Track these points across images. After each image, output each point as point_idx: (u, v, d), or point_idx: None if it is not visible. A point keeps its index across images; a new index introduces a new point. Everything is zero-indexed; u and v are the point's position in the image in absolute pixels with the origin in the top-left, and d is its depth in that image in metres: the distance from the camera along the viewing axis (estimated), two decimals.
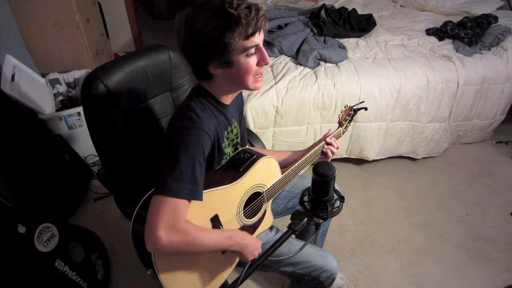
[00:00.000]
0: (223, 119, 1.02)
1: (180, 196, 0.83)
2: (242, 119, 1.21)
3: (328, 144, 1.23)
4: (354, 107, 1.36)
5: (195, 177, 0.86)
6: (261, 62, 0.91)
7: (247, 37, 0.84)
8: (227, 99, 1.01)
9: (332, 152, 1.23)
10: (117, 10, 3.39)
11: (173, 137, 0.90)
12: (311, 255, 1.18)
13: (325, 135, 1.27)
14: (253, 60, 0.89)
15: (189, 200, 0.85)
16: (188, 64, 0.96)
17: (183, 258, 0.94)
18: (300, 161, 1.16)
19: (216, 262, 1.03)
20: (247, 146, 1.29)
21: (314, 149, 1.20)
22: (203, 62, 0.90)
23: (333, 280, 1.21)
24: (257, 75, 0.94)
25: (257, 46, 0.88)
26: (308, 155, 1.18)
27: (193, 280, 0.97)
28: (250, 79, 0.92)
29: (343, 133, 1.34)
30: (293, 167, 1.14)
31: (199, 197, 0.87)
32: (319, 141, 1.25)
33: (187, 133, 0.88)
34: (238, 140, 1.14)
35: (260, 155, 1.08)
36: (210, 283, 1.02)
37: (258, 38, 0.87)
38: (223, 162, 1.08)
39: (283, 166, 1.17)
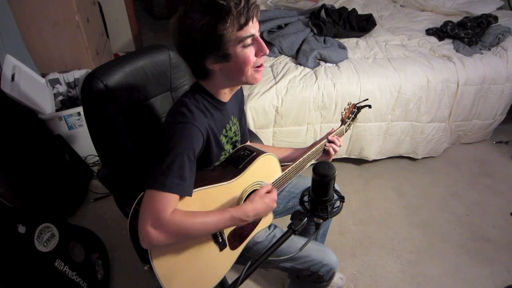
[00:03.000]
0: (220, 116, 1.01)
1: (166, 190, 0.82)
2: (243, 116, 1.20)
3: (330, 142, 1.23)
4: (358, 105, 1.34)
5: (183, 172, 0.85)
6: (259, 53, 0.90)
7: (241, 27, 0.84)
8: (226, 97, 1.01)
9: (335, 150, 1.23)
10: (117, 10, 3.39)
11: (165, 132, 0.90)
12: (310, 250, 1.17)
13: (328, 133, 1.26)
14: (250, 51, 0.89)
15: (177, 194, 0.84)
16: (187, 63, 0.96)
17: (180, 254, 0.93)
18: (301, 159, 1.15)
19: (214, 259, 1.02)
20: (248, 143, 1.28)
21: (316, 147, 1.20)
22: (200, 59, 0.90)
23: (333, 274, 1.21)
24: (257, 66, 0.93)
25: (253, 36, 0.87)
26: (309, 152, 1.17)
27: (190, 277, 0.97)
28: (249, 71, 0.91)
29: (345, 131, 1.33)
30: (293, 165, 1.14)
31: (186, 193, 0.86)
32: (321, 139, 1.24)
33: (178, 127, 0.88)
34: (238, 138, 1.13)
35: (260, 152, 1.07)
36: (207, 280, 1.02)
37: (253, 28, 0.86)
38: (222, 158, 1.08)
39: (284, 163, 1.16)
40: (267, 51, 0.91)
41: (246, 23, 0.84)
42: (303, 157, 1.16)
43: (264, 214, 0.99)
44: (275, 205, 1.00)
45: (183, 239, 0.88)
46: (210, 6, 0.81)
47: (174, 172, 0.84)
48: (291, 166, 1.13)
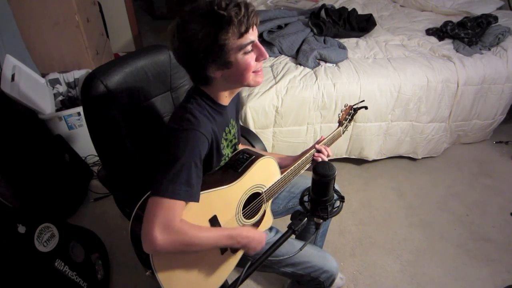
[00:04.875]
0: (222, 120, 1.02)
1: (175, 197, 0.83)
2: (238, 118, 1.20)
3: (318, 151, 1.22)
4: (354, 106, 1.35)
5: (191, 179, 0.86)
6: (259, 58, 0.91)
7: (241, 35, 0.84)
8: (226, 100, 1.01)
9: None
10: (117, 10, 3.39)
11: (170, 139, 0.90)
12: (311, 255, 1.18)
13: (316, 141, 1.25)
14: (251, 57, 0.89)
15: (184, 201, 0.85)
16: (187, 71, 0.96)
17: (182, 258, 0.94)
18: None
19: (216, 263, 1.03)
20: (247, 147, 1.28)
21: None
22: (201, 67, 0.90)
23: (333, 280, 1.21)
24: (257, 70, 0.94)
25: (253, 43, 0.88)
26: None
27: (192, 281, 0.97)
28: (250, 76, 0.92)
29: (343, 133, 1.33)
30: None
31: (194, 199, 0.87)
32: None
33: (184, 135, 0.88)
34: (236, 140, 1.14)
35: (259, 156, 1.07)
36: (209, 283, 1.02)
37: (252, 35, 0.87)
38: (222, 163, 1.08)
39: None
40: (267, 56, 0.92)
41: (246, 31, 0.84)
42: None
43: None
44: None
45: (185, 249, 0.88)
46: (210, 16, 0.81)
47: (182, 180, 0.84)
48: (288, 170, 1.13)
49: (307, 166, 1.21)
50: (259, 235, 1.01)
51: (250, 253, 1.00)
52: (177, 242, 0.83)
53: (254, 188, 1.06)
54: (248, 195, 1.05)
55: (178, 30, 0.86)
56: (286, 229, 0.87)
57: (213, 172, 1.06)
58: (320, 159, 1.20)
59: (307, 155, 1.20)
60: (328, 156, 1.22)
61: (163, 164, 0.87)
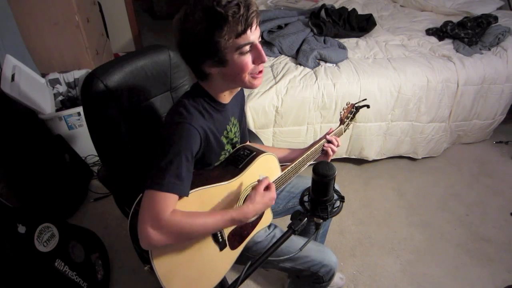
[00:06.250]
0: (221, 118, 1.02)
1: (164, 190, 0.82)
2: (243, 117, 1.20)
3: (328, 142, 1.23)
4: (356, 105, 1.35)
5: (181, 172, 0.85)
6: (257, 60, 0.89)
7: (238, 34, 0.83)
8: (226, 98, 1.01)
9: (333, 151, 1.22)
10: (117, 10, 3.39)
11: (163, 132, 0.91)
12: (310, 250, 1.17)
13: (326, 133, 1.26)
14: (247, 58, 0.88)
15: (174, 194, 0.84)
16: (186, 64, 0.96)
17: (180, 253, 0.93)
18: (300, 159, 1.15)
19: (214, 258, 1.02)
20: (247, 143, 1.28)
21: (315, 147, 1.20)
22: (197, 62, 0.90)
23: (332, 275, 1.21)
24: (255, 73, 0.92)
25: (251, 44, 0.86)
26: (308, 152, 1.17)
27: (190, 276, 0.97)
28: (246, 77, 0.91)
29: (344, 131, 1.33)
30: (292, 165, 1.14)
31: (184, 193, 0.86)
32: (320, 139, 1.24)
33: (175, 128, 0.89)
34: (237, 139, 1.13)
35: (260, 152, 1.07)
36: (207, 279, 1.02)
37: (252, 36, 0.85)
38: (222, 158, 1.08)
39: (283, 163, 1.16)
40: (266, 60, 0.90)
41: (244, 31, 0.83)
42: (302, 157, 1.16)
43: (262, 212, 1.00)
44: (273, 202, 1.01)
45: (183, 240, 0.88)
46: (209, 12, 0.81)
47: (171, 172, 0.84)
48: (289, 167, 1.13)
49: (316, 156, 1.21)
50: (264, 201, 0.95)
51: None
52: (171, 234, 0.83)
53: (254, 184, 1.06)
54: (248, 192, 1.05)
55: (180, 21, 0.86)
56: (286, 228, 0.87)
57: (213, 168, 1.06)
58: (330, 150, 1.21)
59: (317, 146, 1.20)
60: (337, 146, 1.23)
61: (155, 157, 0.87)
